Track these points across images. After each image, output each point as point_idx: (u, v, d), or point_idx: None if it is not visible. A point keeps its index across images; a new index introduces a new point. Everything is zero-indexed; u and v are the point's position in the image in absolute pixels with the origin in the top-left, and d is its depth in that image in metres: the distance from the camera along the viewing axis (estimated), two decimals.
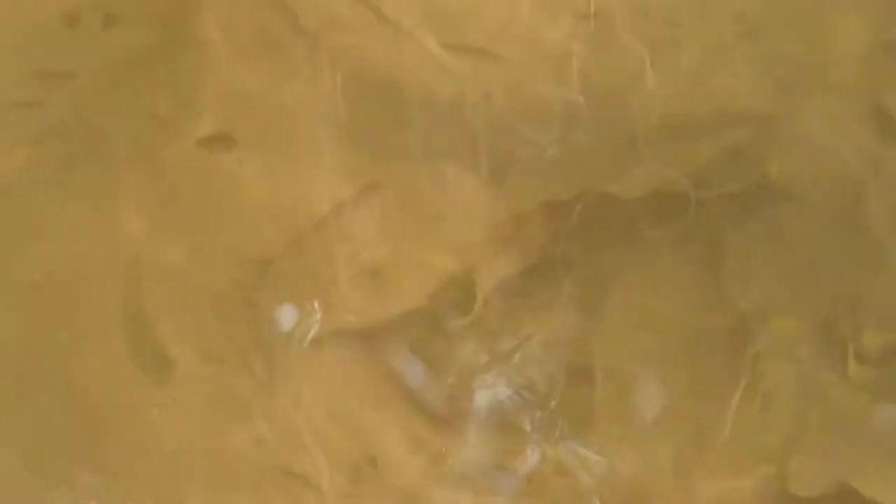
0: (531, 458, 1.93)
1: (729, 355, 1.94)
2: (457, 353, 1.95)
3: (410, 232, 1.97)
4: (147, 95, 2.01)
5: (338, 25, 2.02)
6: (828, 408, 1.91)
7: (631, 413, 1.94)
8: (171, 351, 1.94)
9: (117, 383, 1.94)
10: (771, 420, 1.92)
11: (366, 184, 1.98)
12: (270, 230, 1.98)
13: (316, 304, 1.96)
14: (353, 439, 1.93)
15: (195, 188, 1.99)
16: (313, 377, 1.94)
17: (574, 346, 1.95)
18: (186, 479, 1.92)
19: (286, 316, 1.95)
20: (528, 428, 1.93)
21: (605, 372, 1.94)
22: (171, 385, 1.94)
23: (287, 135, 2.00)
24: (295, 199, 1.98)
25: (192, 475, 1.92)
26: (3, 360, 1.95)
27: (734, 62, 2.00)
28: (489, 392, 1.95)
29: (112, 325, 1.95)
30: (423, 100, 2.00)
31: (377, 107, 2.00)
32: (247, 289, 1.96)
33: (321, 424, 1.93)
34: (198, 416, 1.93)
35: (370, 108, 2.00)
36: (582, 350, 1.95)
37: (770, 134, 1.98)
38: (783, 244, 1.96)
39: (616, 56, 2.00)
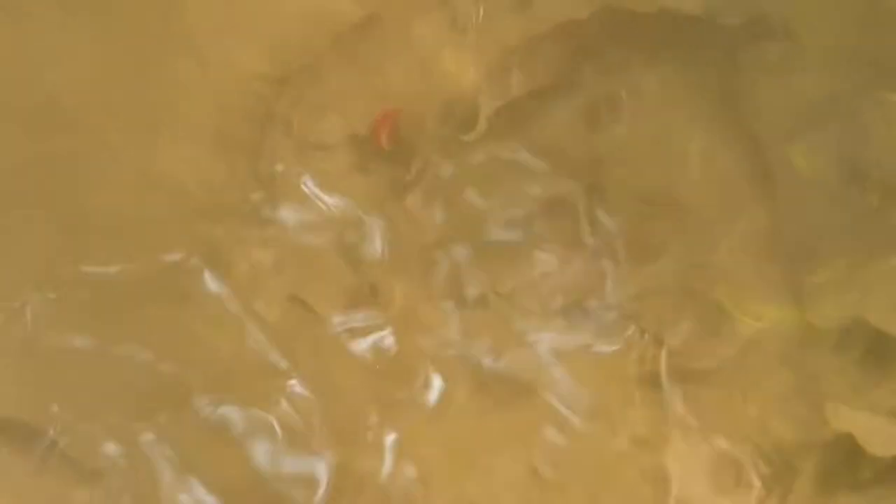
0: None
1: (744, 173, 1.95)
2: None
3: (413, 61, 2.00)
4: None
5: None
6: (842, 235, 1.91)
7: None
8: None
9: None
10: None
11: (370, 14, 2.01)
12: (286, 49, 1.99)
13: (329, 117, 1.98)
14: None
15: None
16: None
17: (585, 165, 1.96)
18: None
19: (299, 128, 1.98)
20: None
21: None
22: None
23: None
24: (306, 22, 2.00)
25: None
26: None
27: None
28: None
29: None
30: None
31: None
32: (265, 102, 1.97)
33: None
34: None
35: None
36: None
37: None
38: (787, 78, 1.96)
39: None
